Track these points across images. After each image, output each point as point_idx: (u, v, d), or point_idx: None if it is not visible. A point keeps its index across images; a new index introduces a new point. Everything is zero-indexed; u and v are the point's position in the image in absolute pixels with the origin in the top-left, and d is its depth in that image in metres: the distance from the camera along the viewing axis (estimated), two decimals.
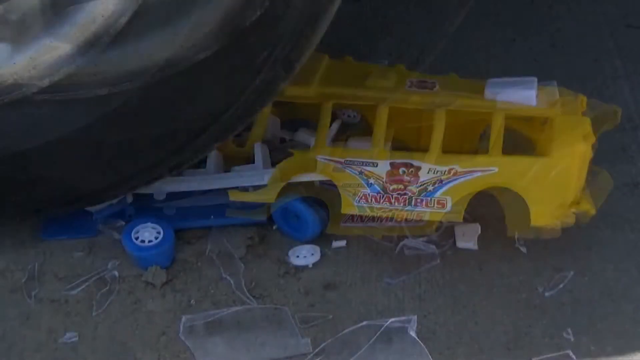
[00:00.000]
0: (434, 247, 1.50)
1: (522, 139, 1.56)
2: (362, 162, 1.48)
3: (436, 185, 1.45)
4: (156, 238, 1.50)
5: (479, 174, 1.45)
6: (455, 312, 1.42)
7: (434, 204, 1.46)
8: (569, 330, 1.39)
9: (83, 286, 1.49)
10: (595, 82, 1.92)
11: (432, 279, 1.47)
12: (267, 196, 1.51)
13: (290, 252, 1.52)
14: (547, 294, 1.44)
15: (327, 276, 1.50)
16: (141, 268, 1.50)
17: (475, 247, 1.52)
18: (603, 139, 1.67)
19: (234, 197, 1.52)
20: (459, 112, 1.51)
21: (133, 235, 1.50)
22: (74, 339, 1.41)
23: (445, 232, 1.54)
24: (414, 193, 1.46)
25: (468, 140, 1.60)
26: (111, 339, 1.41)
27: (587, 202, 1.46)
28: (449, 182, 1.45)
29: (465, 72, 1.95)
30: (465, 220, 1.51)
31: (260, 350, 1.38)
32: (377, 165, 1.47)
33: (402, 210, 1.47)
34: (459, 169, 1.45)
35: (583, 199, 1.46)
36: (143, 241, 1.49)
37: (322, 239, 1.55)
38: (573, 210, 1.44)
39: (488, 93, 1.50)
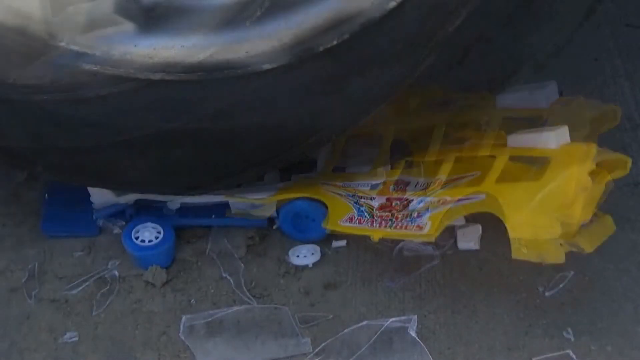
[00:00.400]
0: (432, 248, 1.50)
1: None
2: (362, 197, 1.48)
3: (422, 212, 1.42)
4: (156, 238, 1.50)
5: (466, 202, 1.39)
6: (455, 312, 1.42)
7: (413, 228, 1.42)
8: (570, 330, 1.39)
9: (83, 286, 1.49)
10: (595, 82, 1.92)
11: (433, 279, 1.47)
12: (262, 214, 1.52)
13: (290, 252, 1.52)
14: (547, 293, 1.44)
15: (328, 276, 1.50)
16: (141, 268, 1.50)
17: (477, 247, 1.52)
18: (603, 138, 1.68)
19: (230, 198, 1.52)
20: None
21: (133, 235, 1.50)
22: (74, 339, 1.41)
23: (446, 232, 1.53)
24: (397, 218, 1.44)
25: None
26: (111, 339, 1.41)
27: (582, 238, 1.33)
28: (435, 209, 1.41)
29: (461, 69, 1.95)
30: (466, 220, 1.51)
31: (261, 350, 1.38)
32: (374, 199, 1.47)
33: (381, 230, 1.44)
34: (448, 199, 1.40)
35: (579, 234, 1.33)
36: (143, 241, 1.49)
37: (322, 238, 1.55)
38: (561, 241, 1.31)
39: (511, 139, 1.44)
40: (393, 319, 1.40)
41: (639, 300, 1.43)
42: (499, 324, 1.41)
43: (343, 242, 1.55)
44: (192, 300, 1.46)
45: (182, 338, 1.40)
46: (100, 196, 1.55)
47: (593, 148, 1.37)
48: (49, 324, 1.44)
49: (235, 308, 1.44)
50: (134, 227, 1.51)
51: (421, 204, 1.42)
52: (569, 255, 1.48)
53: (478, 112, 1.51)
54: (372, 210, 1.46)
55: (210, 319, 1.42)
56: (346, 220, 1.46)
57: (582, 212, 1.31)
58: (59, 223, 1.58)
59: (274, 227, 1.56)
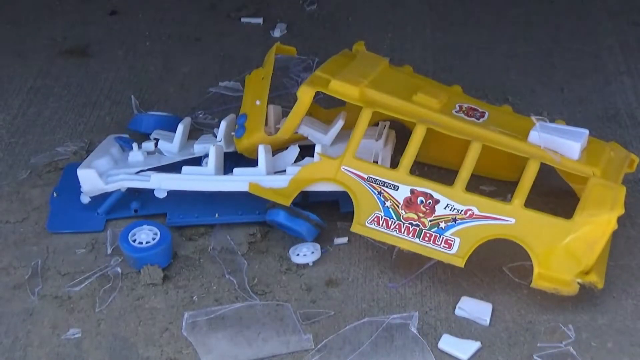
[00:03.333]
0: None
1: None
2: (384, 183, 1.45)
3: (449, 223, 1.42)
4: (153, 239, 1.50)
5: (494, 221, 1.41)
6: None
7: (441, 243, 1.42)
8: (570, 326, 1.39)
9: (86, 283, 1.49)
10: (597, 79, 1.93)
11: (434, 276, 1.48)
12: (284, 198, 1.49)
13: (291, 250, 1.52)
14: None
15: (329, 273, 1.50)
16: (138, 269, 1.50)
17: None
18: (605, 135, 1.69)
19: (253, 190, 1.51)
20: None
21: (130, 238, 1.50)
22: (77, 335, 1.41)
23: None
24: (425, 226, 1.43)
25: (506, 168, 1.58)
26: (114, 335, 1.41)
27: (596, 274, 1.38)
28: (463, 222, 1.41)
29: (465, 65, 1.96)
30: None
31: (263, 346, 1.38)
32: (397, 189, 1.44)
33: (409, 240, 1.44)
34: (476, 212, 1.41)
35: (594, 270, 1.38)
36: (141, 243, 1.50)
37: (324, 235, 1.55)
38: (579, 280, 1.37)
39: (533, 135, 1.46)
40: (394, 315, 1.41)
41: (639, 296, 1.43)
42: (500, 321, 1.41)
43: (345, 239, 1.55)
44: (194, 297, 1.47)
45: (185, 334, 1.40)
46: (89, 183, 1.57)
47: (622, 191, 1.42)
48: (52, 321, 1.44)
49: (237, 305, 1.44)
50: (130, 230, 1.51)
51: (448, 210, 1.42)
52: None
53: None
54: (398, 208, 1.44)
55: (212, 316, 1.42)
56: (373, 222, 1.45)
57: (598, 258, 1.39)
58: (65, 220, 1.59)
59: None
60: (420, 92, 1.52)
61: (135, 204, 1.59)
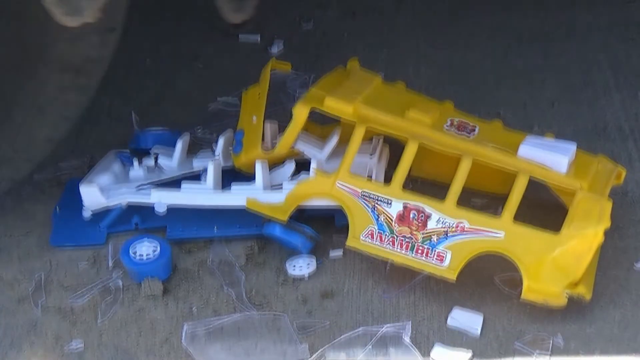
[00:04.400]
0: None
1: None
2: (378, 197, 1.48)
3: (441, 236, 1.45)
4: (153, 252, 1.54)
5: (484, 235, 1.44)
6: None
7: (434, 256, 1.45)
8: (559, 335, 1.42)
9: (88, 295, 1.53)
10: (586, 93, 1.96)
11: (426, 287, 1.51)
12: (281, 214, 1.53)
13: (287, 263, 1.55)
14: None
15: (325, 284, 1.54)
16: (139, 282, 1.53)
17: None
18: (594, 148, 1.72)
19: (250, 206, 1.55)
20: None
21: (131, 252, 1.54)
22: (79, 347, 1.45)
23: None
24: (417, 239, 1.46)
25: (497, 182, 1.59)
26: (115, 347, 1.45)
27: (584, 286, 1.42)
28: (454, 236, 1.45)
29: (457, 80, 1.99)
30: None
31: (260, 357, 1.42)
32: (390, 204, 1.48)
33: (402, 254, 1.47)
34: (467, 226, 1.45)
35: (582, 282, 1.42)
36: (141, 256, 1.53)
37: (320, 248, 1.58)
38: (567, 291, 1.41)
39: (522, 149, 1.50)
40: (388, 325, 1.44)
41: (626, 306, 1.47)
42: (491, 330, 1.44)
43: (339, 252, 1.58)
44: (194, 308, 1.50)
45: (184, 345, 1.43)
46: (91, 199, 1.61)
47: (609, 205, 1.47)
48: (55, 333, 1.47)
49: (235, 316, 1.47)
50: (131, 244, 1.55)
51: (439, 224, 1.46)
52: None
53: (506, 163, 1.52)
54: (391, 223, 1.48)
55: (211, 327, 1.46)
56: (367, 236, 1.49)
57: (586, 270, 1.43)
58: (67, 235, 1.63)
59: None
60: (412, 108, 1.55)
61: (136, 218, 1.63)
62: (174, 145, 1.70)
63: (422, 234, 1.46)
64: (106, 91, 1.98)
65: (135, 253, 1.53)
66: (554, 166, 1.49)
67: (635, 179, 1.71)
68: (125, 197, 1.61)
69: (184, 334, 1.45)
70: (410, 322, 1.45)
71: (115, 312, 1.50)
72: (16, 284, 1.55)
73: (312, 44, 2.13)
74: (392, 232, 1.47)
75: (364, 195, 1.49)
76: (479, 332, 1.43)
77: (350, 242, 1.50)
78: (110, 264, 1.57)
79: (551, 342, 1.41)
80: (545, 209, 1.56)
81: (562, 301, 1.41)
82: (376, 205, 1.49)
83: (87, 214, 1.64)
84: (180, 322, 1.48)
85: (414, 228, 1.46)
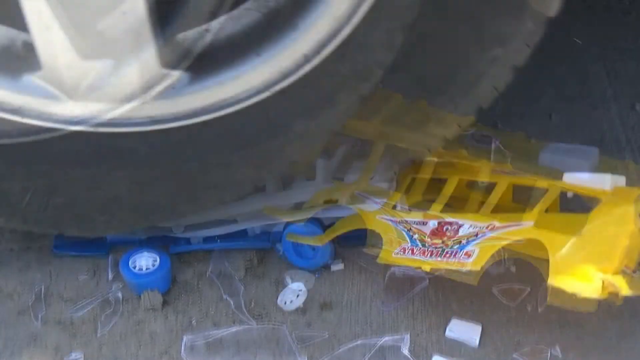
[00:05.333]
0: (421, 270, 1.52)
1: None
2: (415, 222, 1.48)
3: (471, 238, 1.44)
4: (153, 265, 1.54)
5: (514, 227, 1.41)
6: (446, 330, 1.47)
7: (461, 255, 1.43)
8: (557, 346, 1.43)
9: (88, 307, 1.53)
10: (583, 104, 1.97)
11: (425, 298, 1.52)
12: (300, 217, 1.54)
13: (278, 301, 1.53)
14: (536, 312, 1.49)
15: (324, 296, 1.54)
16: (139, 294, 1.54)
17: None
18: None
19: (269, 212, 1.55)
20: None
21: (130, 264, 1.54)
22: (79, 358, 1.46)
23: None
24: (447, 246, 1.45)
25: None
26: (115, 358, 1.45)
27: (622, 280, 1.31)
28: (484, 235, 1.43)
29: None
30: None
31: None
32: (426, 224, 1.48)
33: (432, 260, 1.45)
34: (497, 224, 1.43)
35: (621, 277, 1.31)
36: (141, 269, 1.54)
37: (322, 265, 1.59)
38: (602, 276, 1.29)
39: (543, 157, 1.50)
40: (387, 337, 1.45)
41: (624, 317, 1.47)
42: (489, 341, 1.45)
43: (340, 266, 1.59)
44: (193, 320, 1.51)
45: (183, 357, 1.44)
46: None
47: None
48: (55, 344, 1.48)
49: (234, 328, 1.48)
50: (130, 256, 1.55)
51: (471, 229, 1.45)
52: None
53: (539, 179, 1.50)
54: (425, 237, 1.47)
55: (210, 339, 1.47)
56: (399, 252, 1.47)
57: (624, 259, 1.33)
58: (70, 242, 1.62)
59: (280, 251, 1.59)
60: (431, 123, 1.51)
61: (139, 231, 1.62)
62: None
63: (453, 240, 1.45)
64: None
65: (134, 265, 1.54)
66: (599, 186, 1.43)
67: None
68: None
69: (183, 346, 1.45)
70: (408, 333, 1.45)
71: (115, 324, 1.50)
72: (16, 297, 1.56)
73: None
74: (424, 245, 1.46)
75: (401, 222, 1.49)
76: (477, 343, 1.44)
77: (382, 260, 1.48)
78: (110, 276, 1.58)
79: (549, 353, 1.42)
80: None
81: (595, 289, 1.30)
82: (412, 227, 1.49)
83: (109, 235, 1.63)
84: (179, 334, 1.48)
85: (446, 238, 1.46)
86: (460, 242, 1.44)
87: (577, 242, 1.33)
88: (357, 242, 1.55)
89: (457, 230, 1.46)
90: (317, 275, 1.57)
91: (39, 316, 1.52)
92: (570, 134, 1.88)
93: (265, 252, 1.60)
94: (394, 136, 1.50)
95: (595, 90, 2.01)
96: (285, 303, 1.52)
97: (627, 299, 1.48)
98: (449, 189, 1.52)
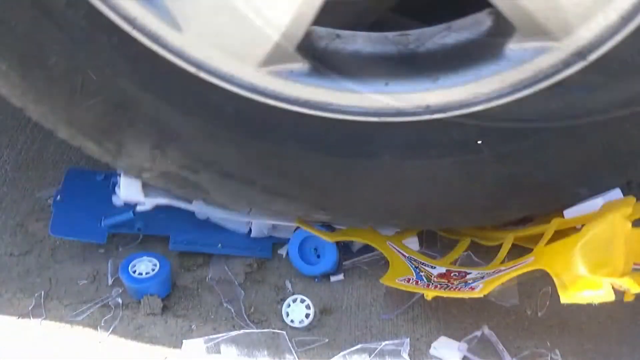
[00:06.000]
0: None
1: None
2: (424, 264, 1.51)
3: (477, 279, 1.44)
4: (153, 270, 1.54)
5: (517, 266, 1.41)
6: (447, 335, 1.47)
7: (466, 289, 1.42)
8: (557, 351, 1.43)
9: (88, 313, 1.53)
10: None
11: (425, 303, 1.52)
12: (330, 238, 1.54)
13: (287, 317, 1.51)
14: (535, 316, 1.49)
15: (324, 301, 1.54)
16: (139, 299, 1.54)
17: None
18: None
19: (300, 223, 1.55)
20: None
21: (130, 269, 1.54)
22: None
23: None
24: (453, 284, 1.44)
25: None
26: None
27: (630, 280, 1.29)
28: (489, 276, 1.43)
29: None
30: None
31: None
32: (435, 268, 1.50)
33: (434, 291, 1.44)
34: (503, 268, 1.43)
35: (630, 275, 1.31)
36: (141, 274, 1.54)
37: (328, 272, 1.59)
38: (609, 280, 1.28)
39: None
40: (386, 342, 1.45)
41: (624, 321, 1.48)
42: (488, 346, 1.45)
43: (341, 276, 1.59)
44: (193, 325, 1.51)
45: None
46: (129, 190, 1.58)
47: (632, 199, 1.38)
48: (55, 350, 1.47)
49: (234, 333, 1.48)
50: (130, 261, 1.55)
51: (478, 275, 1.45)
52: None
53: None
54: (431, 277, 1.48)
55: (210, 344, 1.46)
56: (403, 280, 1.48)
57: (629, 258, 1.33)
58: (68, 226, 1.62)
59: (285, 255, 1.60)
60: None
61: (140, 222, 1.62)
62: None
63: (459, 282, 1.45)
64: None
65: (134, 270, 1.54)
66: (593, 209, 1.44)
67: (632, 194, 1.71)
68: (164, 198, 1.60)
69: (183, 352, 1.45)
70: (408, 338, 1.45)
71: (115, 329, 1.50)
72: (16, 302, 1.56)
73: None
74: (429, 281, 1.47)
75: (410, 259, 1.51)
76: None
77: (385, 281, 1.49)
78: (110, 281, 1.58)
79: (549, 357, 1.42)
80: None
81: (608, 294, 1.29)
82: (421, 266, 1.50)
83: (118, 202, 1.63)
84: (179, 339, 1.48)
85: (453, 280, 1.46)
86: (467, 282, 1.44)
87: (577, 257, 1.33)
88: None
89: (465, 276, 1.46)
90: (316, 280, 1.56)
91: (39, 322, 1.52)
92: None
93: (266, 257, 1.61)
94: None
95: None
96: (292, 322, 1.51)
97: (627, 304, 1.49)
98: (460, 249, 1.55)
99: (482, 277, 1.44)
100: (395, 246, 1.54)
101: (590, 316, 1.46)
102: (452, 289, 1.43)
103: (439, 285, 1.45)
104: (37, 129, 1.94)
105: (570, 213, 1.46)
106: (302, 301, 1.51)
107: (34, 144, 1.90)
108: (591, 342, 1.44)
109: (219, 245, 1.61)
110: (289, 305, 1.51)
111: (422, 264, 1.50)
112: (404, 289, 1.47)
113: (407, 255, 1.52)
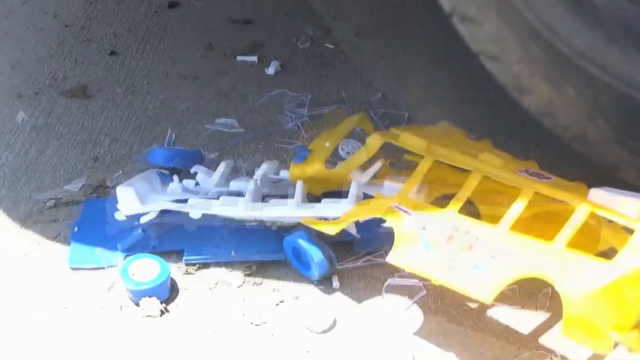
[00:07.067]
0: (417, 280, 1.52)
1: None
2: (430, 219, 1.41)
3: (485, 259, 1.36)
4: (152, 273, 1.54)
5: (532, 259, 1.33)
6: (446, 337, 1.47)
7: (473, 278, 1.35)
8: (557, 352, 1.42)
9: (87, 315, 1.53)
10: None
11: (424, 305, 1.52)
12: (331, 229, 1.49)
13: (307, 322, 1.50)
14: (535, 318, 1.48)
15: (322, 304, 1.54)
16: (138, 302, 1.54)
17: None
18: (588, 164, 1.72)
19: (307, 222, 1.53)
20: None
21: (130, 272, 1.54)
22: None
23: None
24: (460, 262, 1.37)
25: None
26: None
27: (634, 340, 1.23)
28: (497, 264, 1.34)
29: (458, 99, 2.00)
30: None
31: None
32: (441, 227, 1.40)
33: (441, 274, 1.38)
34: (515, 249, 1.35)
35: (633, 336, 1.24)
36: (140, 276, 1.54)
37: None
38: (615, 334, 1.22)
39: (593, 192, 1.39)
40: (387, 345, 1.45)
41: None
42: (489, 349, 1.45)
43: (336, 284, 1.57)
44: (192, 328, 1.50)
45: None
46: (127, 202, 1.60)
47: None
48: (55, 355, 1.47)
49: (233, 335, 1.48)
50: (129, 264, 1.55)
51: (487, 248, 1.36)
52: None
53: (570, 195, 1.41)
54: (438, 244, 1.39)
55: (209, 347, 1.46)
56: (410, 253, 1.40)
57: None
58: (85, 256, 1.62)
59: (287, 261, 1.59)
60: (483, 154, 1.51)
61: (154, 241, 1.63)
62: (192, 163, 1.72)
63: (467, 256, 1.37)
64: (106, 113, 2.00)
65: (134, 273, 1.54)
66: (624, 211, 1.35)
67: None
68: (162, 203, 1.61)
69: (182, 354, 1.45)
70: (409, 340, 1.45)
71: (114, 332, 1.50)
72: (15, 303, 1.55)
73: (310, 64, 2.14)
74: (437, 251, 1.40)
75: (416, 218, 1.42)
76: None
77: (391, 259, 1.42)
78: (109, 284, 1.58)
79: (549, 359, 1.42)
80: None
81: (607, 345, 1.25)
82: (427, 226, 1.42)
83: (120, 216, 1.63)
84: (178, 342, 1.48)
85: (460, 250, 1.38)
86: (474, 262, 1.36)
87: (594, 298, 1.26)
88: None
89: (473, 246, 1.37)
90: (316, 283, 1.56)
91: (39, 323, 1.52)
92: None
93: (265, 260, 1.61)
94: (445, 155, 1.52)
95: None
96: (311, 323, 1.50)
97: None
98: (471, 183, 1.45)
99: (492, 257, 1.34)
100: (400, 206, 1.45)
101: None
102: (459, 270, 1.35)
103: (446, 262, 1.36)
104: (35, 131, 1.95)
105: (594, 196, 1.38)
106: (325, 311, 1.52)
107: (32, 146, 1.90)
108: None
109: (232, 253, 1.61)
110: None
111: (430, 221, 1.41)
112: (409, 269, 1.40)
113: (412, 212, 1.43)
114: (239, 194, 1.63)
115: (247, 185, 1.62)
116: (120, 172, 1.80)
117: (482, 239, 1.38)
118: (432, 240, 1.40)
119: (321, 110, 1.95)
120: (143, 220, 1.62)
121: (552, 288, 1.47)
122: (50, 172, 1.83)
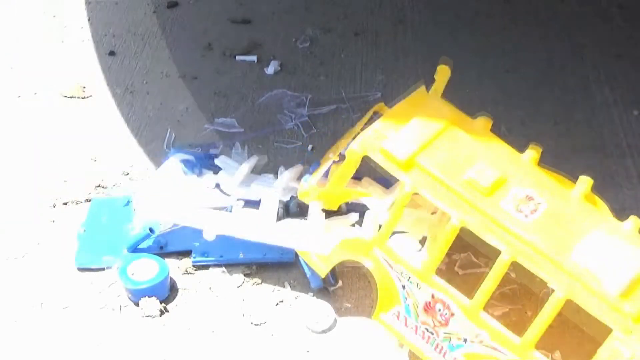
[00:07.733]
0: None
1: None
2: (409, 277, 1.39)
3: (460, 341, 1.37)
4: (152, 273, 1.54)
5: (501, 355, 1.33)
6: None
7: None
8: (558, 352, 1.42)
9: (87, 315, 1.53)
10: (585, 110, 1.97)
11: None
12: (320, 270, 1.48)
13: (306, 320, 1.52)
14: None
15: (322, 304, 1.54)
16: (137, 302, 1.54)
17: None
18: (591, 165, 1.72)
19: (302, 255, 1.51)
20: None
21: (129, 272, 1.54)
22: None
23: None
24: (438, 336, 1.39)
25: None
26: None
27: None
28: (472, 345, 1.35)
29: (456, 97, 1.99)
30: None
31: None
32: (420, 288, 1.38)
33: (422, 347, 1.40)
34: (486, 340, 1.34)
35: None
36: (140, 276, 1.54)
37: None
38: None
39: (578, 252, 1.30)
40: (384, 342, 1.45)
41: None
42: None
43: (339, 284, 1.58)
44: (191, 327, 1.50)
45: None
46: (145, 213, 1.58)
47: None
48: (54, 353, 1.48)
49: (233, 335, 1.48)
50: (129, 264, 1.55)
51: (460, 329, 1.36)
52: None
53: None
54: (417, 309, 1.40)
55: (208, 346, 1.46)
56: (393, 315, 1.42)
57: None
58: (92, 256, 1.62)
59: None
60: (471, 170, 1.37)
61: (162, 241, 1.62)
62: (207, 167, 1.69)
63: (443, 332, 1.38)
64: (105, 112, 2.00)
65: (133, 273, 1.53)
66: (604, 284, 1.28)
67: (633, 195, 1.71)
68: (179, 219, 1.58)
69: (181, 353, 1.45)
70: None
71: (114, 331, 1.50)
72: (15, 304, 1.56)
73: (309, 63, 2.14)
74: (416, 319, 1.40)
75: (396, 271, 1.40)
76: None
77: (375, 317, 1.43)
78: (109, 284, 1.57)
79: (550, 358, 1.41)
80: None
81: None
82: (406, 284, 1.39)
83: (140, 224, 1.62)
84: (177, 341, 1.48)
85: (436, 323, 1.38)
86: (450, 339, 1.38)
87: None
88: None
89: (448, 321, 1.37)
90: (315, 285, 1.56)
91: (39, 323, 1.52)
92: (571, 139, 1.88)
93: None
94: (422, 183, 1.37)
95: (596, 96, 2.01)
96: (317, 322, 1.50)
97: None
98: (448, 239, 1.36)
99: (465, 341, 1.36)
100: (382, 254, 1.41)
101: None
102: (437, 349, 1.38)
103: (425, 334, 1.40)
104: (35, 131, 1.94)
105: (578, 254, 1.30)
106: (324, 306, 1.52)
107: (32, 146, 1.90)
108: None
109: (240, 254, 1.60)
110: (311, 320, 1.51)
111: (409, 279, 1.39)
112: (391, 331, 1.42)
113: (393, 264, 1.41)
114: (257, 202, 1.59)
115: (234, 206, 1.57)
116: (120, 172, 1.80)
117: (456, 315, 1.36)
118: (412, 304, 1.40)
119: (321, 110, 1.95)
120: (157, 231, 1.61)
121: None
122: (50, 172, 1.83)
